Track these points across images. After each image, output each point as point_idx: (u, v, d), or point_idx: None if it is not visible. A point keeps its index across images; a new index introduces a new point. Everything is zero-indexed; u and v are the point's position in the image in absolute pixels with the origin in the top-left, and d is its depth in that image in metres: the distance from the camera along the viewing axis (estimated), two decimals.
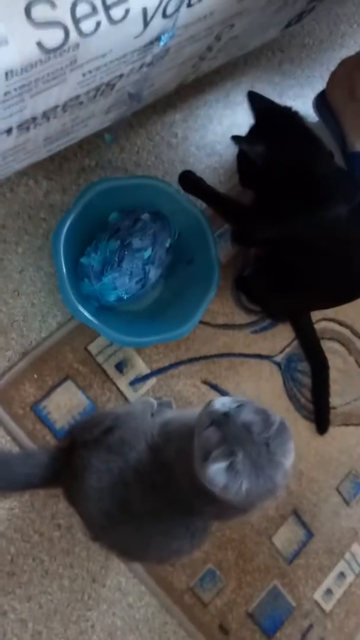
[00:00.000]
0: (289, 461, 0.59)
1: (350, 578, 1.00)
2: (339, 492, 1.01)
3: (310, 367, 1.00)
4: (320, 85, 1.06)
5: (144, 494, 0.70)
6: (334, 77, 1.02)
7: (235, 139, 0.77)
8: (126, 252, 0.83)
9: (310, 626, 0.96)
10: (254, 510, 0.68)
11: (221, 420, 0.59)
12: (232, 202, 0.88)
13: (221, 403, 0.61)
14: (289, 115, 0.79)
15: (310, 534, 0.98)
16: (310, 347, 1.00)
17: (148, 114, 0.96)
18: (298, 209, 0.76)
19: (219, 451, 0.57)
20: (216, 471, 0.56)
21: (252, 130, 0.80)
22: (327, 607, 0.97)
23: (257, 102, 0.80)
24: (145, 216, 0.86)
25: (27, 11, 0.41)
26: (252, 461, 0.57)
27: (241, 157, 0.84)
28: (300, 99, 1.09)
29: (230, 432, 0.58)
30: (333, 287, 0.85)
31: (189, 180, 0.88)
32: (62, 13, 0.43)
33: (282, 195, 0.77)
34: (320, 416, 1.00)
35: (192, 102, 1.01)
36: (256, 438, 0.57)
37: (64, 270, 0.79)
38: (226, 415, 0.59)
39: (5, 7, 0.40)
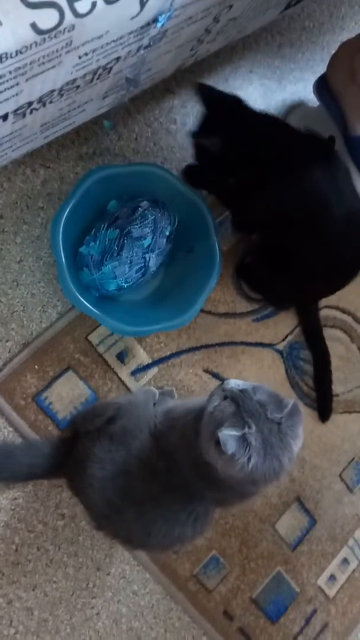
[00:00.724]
0: (297, 445, 0.59)
1: (353, 564, 1.01)
2: (342, 479, 1.01)
3: (312, 355, 1.00)
4: (320, 68, 1.05)
5: (146, 481, 0.70)
6: (334, 61, 1.00)
7: (192, 134, 0.79)
8: (126, 241, 0.82)
9: (314, 611, 0.96)
10: (254, 494, 0.68)
11: (236, 396, 0.60)
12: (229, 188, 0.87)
13: (236, 383, 0.63)
14: (236, 102, 0.80)
15: (313, 521, 0.98)
16: (313, 335, 0.99)
17: (146, 100, 0.95)
18: (271, 180, 0.77)
19: (234, 421, 0.58)
20: (228, 437, 0.56)
21: (205, 122, 0.81)
22: (331, 592, 0.98)
23: (207, 94, 0.80)
24: (145, 204, 0.85)
25: None
26: (263, 438, 0.57)
27: (199, 151, 0.84)
28: (301, 82, 1.07)
29: (245, 407, 0.59)
30: (329, 271, 0.85)
31: (193, 176, 0.89)
32: None
33: (251, 174, 0.78)
34: (323, 404, 1.00)
35: (190, 88, 0.99)
36: (269, 416, 0.58)
37: (63, 259, 0.78)
38: (242, 392, 0.60)
39: None
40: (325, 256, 0.82)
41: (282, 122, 0.82)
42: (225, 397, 0.61)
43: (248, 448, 0.57)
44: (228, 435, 0.56)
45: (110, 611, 0.86)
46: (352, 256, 0.84)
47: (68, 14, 0.44)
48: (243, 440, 0.57)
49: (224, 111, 0.79)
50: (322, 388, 1.00)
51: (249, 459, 0.57)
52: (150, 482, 0.71)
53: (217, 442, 0.57)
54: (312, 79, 1.06)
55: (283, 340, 0.99)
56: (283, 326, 1.00)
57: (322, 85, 1.03)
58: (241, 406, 0.59)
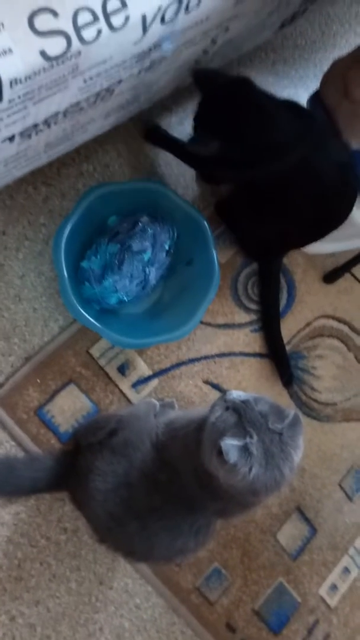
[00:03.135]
0: (298, 456, 0.60)
1: (354, 573, 1.01)
2: (342, 488, 1.02)
3: (262, 315, 0.99)
4: (313, 85, 1.07)
5: (148, 493, 0.71)
6: (327, 77, 1.03)
7: (189, 144, 0.78)
8: (126, 255, 0.84)
9: (316, 622, 0.97)
10: (255, 505, 0.69)
11: (238, 407, 0.61)
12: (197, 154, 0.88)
13: (237, 394, 0.64)
14: (240, 88, 0.77)
15: (314, 530, 0.98)
16: (269, 294, 0.99)
17: (145, 118, 0.97)
18: (261, 158, 0.77)
19: (235, 430, 0.59)
20: (230, 446, 0.57)
21: (200, 113, 0.78)
22: (332, 602, 0.98)
23: (208, 80, 0.77)
24: (144, 219, 0.86)
25: (31, 21, 0.42)
26: (264, 448, 0.58)
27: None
28: (294, 98, 1.09)
29: (247, 417, 0.60)
30: (312, 221, 0.86)
31: (156, 135, 0.91)
32: (64, 22, 0.44)
33: (243, 153, 0.78)
34: (280, 368, 0.98)
35: (187, 105, 1.01)
36: (271, 426, 0.59)
37: (65, 274, 0.79)
38: (244, 402, 0.61)
39: (9, 17, 0.41)
40: (312, 207, 0.84)
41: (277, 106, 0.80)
42: (227, 408, 0.62)
43: (250, 458, 0.58)
44: (230, 444, 0.57)
45: (113, 626, 0.86)
46: (335, 208, 0.86)
47: (75, 41, 0.45)
48: (245, 450, 0.58)
49: (227, 96, 0.75)
50: (275, 352, 0.98)
51: (250, 469, 0.57)
52: (152, 494, 0.71)
53: (219, 452, 0.58)
54: (305, 95, 1.08)
55: (285, 349, 1.01)
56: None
57: (316, 101, 1.06)
58: (243, 416, 0.60)
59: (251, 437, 0.58)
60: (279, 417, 0.60)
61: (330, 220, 0.87)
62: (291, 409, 0.62)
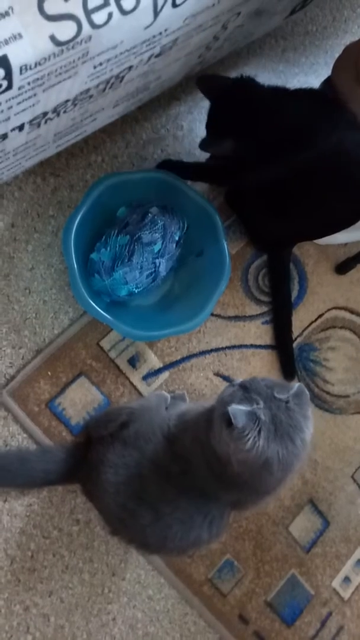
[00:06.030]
0: (308, 428, 0.61)
1: None
2: (355, 480, 1.01)
3: (273, 306, 0.98)
4: (324, 72, 1.05)
5: (160, 485, 0.71)
6: (339, 64, 1.01)
7: (202, 145, 0.77)
8: (136, 247, 0.83)
9: (329, 614, 0.96)
10: (270, 489, 0.68)
11: (245, 382, 0.63)
12: (216, 168, 0.89)
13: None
14: (242, 87, 0.76)
15: (326, 523, 0.98)
16: (279, 285, 0.98)
17: (153, 107, 0.96)
18: (280, 151, 0.76)
19: (242, 399, 0.61)
20: (237, 411, 0.58)
21: (211, 119, 0.78)
22: (346, 594, 0.98)
23: (211, 85, 0.77)
24: (154, 210, 0.85)
25: (40, 5, 0.41)
26: (272, 414, 0.60)
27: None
28: (305, 86, 1.08)
29: (253, 388, 0.62)
30: (327, 216, 0.85)
31: (167, 166, 0.90)
32: (75, 5, 0.43)
33: (259, 150, 0.77)
34: (284, 360, 0.98)
35: (196, 94, 1.00)
36: (277, 395, 0.61)
37: (75, 266, 0.79)
38: (250, 379, 0.64)
39: (18, 1, 0.40)
40: (337, 197, 0.81)
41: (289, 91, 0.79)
42: (234, 386, 0.64)
43: (258, 422, 0.59)
44: (237, 409, 0.58)
45: (126, 616, 0.86)
46: (351, 207, 0.84)
47: (85, 25, 0.45)
48: (252, 414, 0.59)
49: (232, 97, 0.76)
50: (281, 342, 0.98)
51: (259, 432, 0.58)
52: (164, 486, 0.71)
53: (228, 423, 0.59)
54: (316, 82, 1.07)
55: (292, 342, 1.00)
56: (292, 328, 1.00)
57: (327, 88, 1.04)
58: (249, 388, 0.62)
59: (257, 403, 0.60)
60: (284, 389, 0.62)
61: (351, 215, 0.85)
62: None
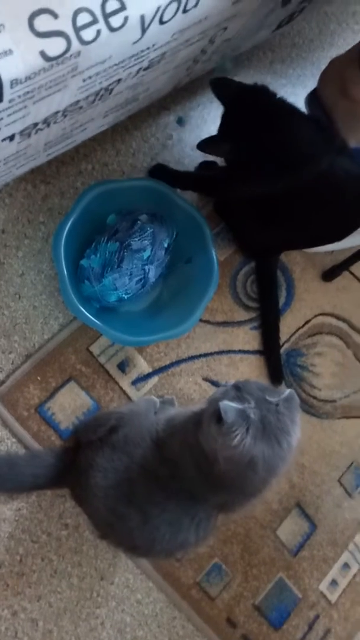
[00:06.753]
0: (295, 432, 0.62)
1: (354, 569, 1.01)
2: (341, 484, 1.02)
3: (261, 312, 1.00)
4: (311, 83, 1.08)
5: (149, 488, 0.72)
6: (325, 76, 1.04)
7: (200, 146, 0.78)
8: (125, 253, 0.84)
9: (317, 617, 0.97)
10: (255, 491, 0.70)
11: (237, 383, 0.65)
12: (206, 178, 0.91)
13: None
14: (256, 95, 0.77)
15: (314, 526, 0.99)
16: (267, 291, 1.00)
17: (143, 117, 0.97)
18: (278, 175, 0.78)
19: (234, 397, 0.62)
20: (228, 407, 0.60)
21: (222, 123, 0.79)
22: (333, 597, 0.99)
23: (224, 89, 0.77)
24: (143, 217, 0.87)
25: (31, 22, 0.42)
26: (262, 415, 0.61)
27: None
28: (292, 97, 1.08)
29: (246, 389, 0.63)
30: (318, 226, 0.86)
31: (160, 172, 0.92)
32: (64, 23, 0.45)
33: (262, 168, 0.78)
34: (271, 365, 0.99)
35: (185, 104, 1.02)
36: (268, 397, 0.62)
37: (65, 272, 0.80)
38: (245, 381, 0.65)
39: (9, 18, 0.42)
40: (324, 218, 0.84)
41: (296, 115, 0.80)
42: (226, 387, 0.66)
43: (247, 420, 0.60)
44: (228, 405, 0.60)
45: (114, 621, 0.86)
46: (349, 220, 0.86)
47: (74, 42, 0.46)
48: (242, 413, 0.60)
49: (241, 104, 0.76)
50: (268, 348, 0.99)
51: (247, 430, 0.59)
52: (153, 489, 0.72)
53: (218, 419, 0.60)
54: (303, 93, 1.09)
55: (280, 347, 1.01)
56: (280, 334, 1.02)
57: (313, 100, 1.07)
58: (242, 388, 0.64)
59: (249, 402, 0.61)
60: (275, 393, 0.64)
61: (339, 231, 0.88)
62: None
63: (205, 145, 0.79)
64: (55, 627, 0.83)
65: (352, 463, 1.04)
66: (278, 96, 0.78)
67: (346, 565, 1.01)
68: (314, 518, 0.99)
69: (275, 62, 1.12)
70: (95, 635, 0.85)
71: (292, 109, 0.79)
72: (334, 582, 0.99)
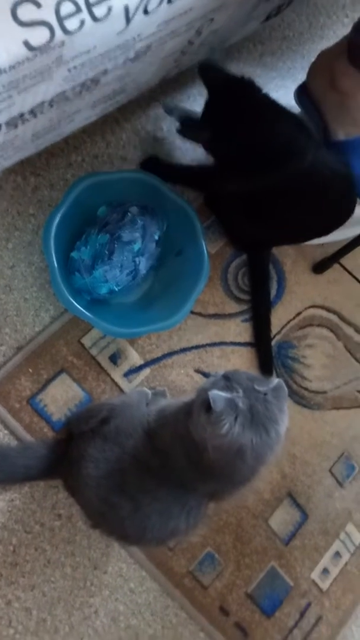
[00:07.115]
0: (283, 421, 0.63)
1: (345, 557, 1.03)
2: (332, 474, 1.03)
3: (252, 304, 1.00)
4: (301, 76, 1.08)
5: (140, 478, 0.72)
6: (314, 68, 1.04)
7: (180, 131, 0.79)
8: (116, 245, 0.85)
9: (308, 605, 0.98)
10: (244, 479, 0.70)
11: (228, 374, 0.66)
12: (196, 172, 0.92)
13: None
14: (242, 87, 0.78)
15: (305, 516, 1.00)
16: (259, 284, 1.01)
17: (133, 109, 0.98)
18: (262, 168, 0.79)
19: (223, 386, 0.63)
20: (217, 396, 0.61)
21: (205, 110, 0.80)
22: (324, 585, 1.00)
23: (211, 75, 0.78)
24: (134, 209, 0.87)
25: (13, 12, 0.43)
26: (250, 404, 0.62)
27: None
28: (282, 90, 1.11)
29: (235, 379, 0.64)
30: (306, 220, 0.87)
31: (152, 164, 0.92)
32: (47, 12, 0.45)
33: (244, 162, 0.79)
34: (262, 357, 1.00)
35: (175, 96, 1.02)
36: (256, 387, 0.63)
37: (56, 264, 0.80)
38: (234, 371, 0.66)
39: None
40: (308, 214, 0.85)
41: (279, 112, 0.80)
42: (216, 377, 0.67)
43: (235, 409, 0.61)
44: (217, 394, 0.61)
45: (108, 609, 0.87)
46: (334, 216, 0.87)
47: (58, 32, 0.46)
48: (231, 401, 0.61)
49: (225, 94, 0.77)
50: (259, 340, 1.00)
51: (235, 419, 0.60)
52: (144, 479, 0.73)
53: (207, 408, 0.61)
54: (293, 86, 1.09)
55: (271, 339, 1.02)
56: (271, 326, 1.02)
57: (303, 92, 1.07)
58: (231, 378, 0.65)
59: (237, 392, 0.62)
60: (264, 382, 0.65)
61: (326, 226, 0.89)
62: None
63: (186, 129, 0.79)
64: (49, 616, 0.84)
65: (342, 453, 1.05)
66: (263, 92, 0.79)
67: (337, 554, 1.02)
68: (306, 507, 1.00)
69: (265, 55, 1.12)
70: (89, 623, 0.86)
71: (274, 106, 0.79)
72: (325, 571, 1.00)
